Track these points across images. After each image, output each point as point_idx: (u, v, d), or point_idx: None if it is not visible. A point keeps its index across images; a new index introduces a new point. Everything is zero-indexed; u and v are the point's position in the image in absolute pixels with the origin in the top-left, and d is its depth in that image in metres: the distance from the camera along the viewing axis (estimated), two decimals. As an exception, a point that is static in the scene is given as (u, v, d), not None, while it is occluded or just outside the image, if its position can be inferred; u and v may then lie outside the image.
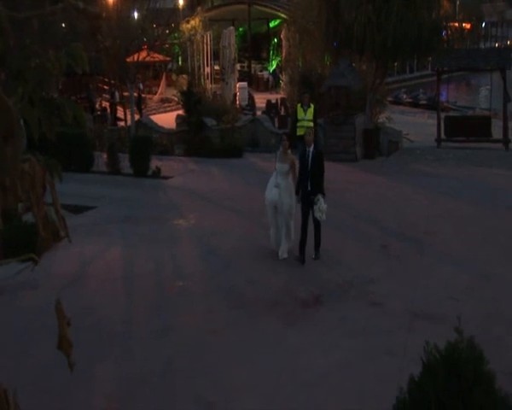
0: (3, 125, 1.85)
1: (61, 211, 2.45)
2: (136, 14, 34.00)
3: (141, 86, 40.37)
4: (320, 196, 13.76)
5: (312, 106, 21.05)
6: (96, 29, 2.58)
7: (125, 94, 32.59)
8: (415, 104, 47.73)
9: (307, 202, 14.00)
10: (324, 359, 10.03)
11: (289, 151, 14.43)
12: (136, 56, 30.82)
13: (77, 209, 17.71)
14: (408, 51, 27.61)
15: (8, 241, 12.07)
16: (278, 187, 14.15)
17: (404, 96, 49.08)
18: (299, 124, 20.92)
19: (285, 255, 14.18)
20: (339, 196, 19.93)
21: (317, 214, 13.76)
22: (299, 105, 21.46)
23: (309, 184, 13.93)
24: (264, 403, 8.86)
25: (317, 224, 14.07)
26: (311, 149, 14.16)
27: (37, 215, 2.18)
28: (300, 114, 20.98)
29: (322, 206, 13.70)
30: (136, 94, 34.51)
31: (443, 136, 27.68)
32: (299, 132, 20.84)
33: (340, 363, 9.89)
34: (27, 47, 2.37)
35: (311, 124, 20.84)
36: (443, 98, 34.21)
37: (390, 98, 34.28)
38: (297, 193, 14.14)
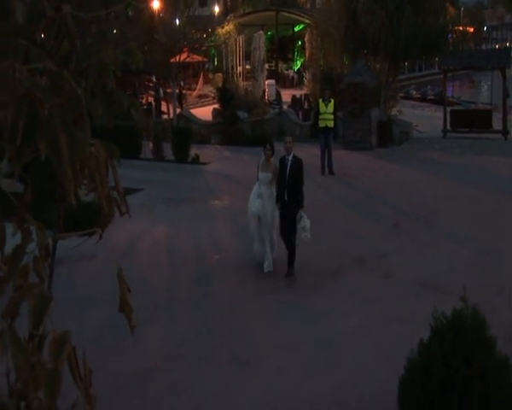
0: (74, 111, 1.84)
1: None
2: (177, 21, 34.00)
3: (182, 84, 40.22)
4: (303, 213, 11.80)
5: (332, 100, 20.96)
6: (153, 28, 2.56)
7: (168, 90, 32.56)
8: (423, 99, 47.18)
9: (284, 213, 11.95)
10: (342, 322, 10.06)
11: (272, 160, 12.33)
12: (178, 57, 30.82)
13: (127, 191, 17.60)
14: (417, 52, 27.64)
15: (67, 218, 12.30)
16: (261, 197, 12.11)
17: (414, 92, 48.50)
18: (321, 117, 20.86)
19: (270, 268, 12.13)
20: (355, 180, 19.94)
21: (302, 235, 11.79)
22: (320, 100, 21.35)
23: (286, 194, 11.83)
24: (290, 360, 8.89)
25: (291, 237, 11.93)
26: (291, 157, 12.06)
27: (101, 193, 2.18)
28: (322, 107, 20.87)
29: (306, 225, 11.75)
30: (177, 90, 34.46)
31: (448, 127, 27.36)
32: (322, 124, 20.80)
33: (356, 326, 9.90)
34: (89, 46, 2.35)
35: (332, 117, 20.77)
36: (449, 94, 33.78)
37: (401, 94, 33.82)
38: (278, 201, 12.03)
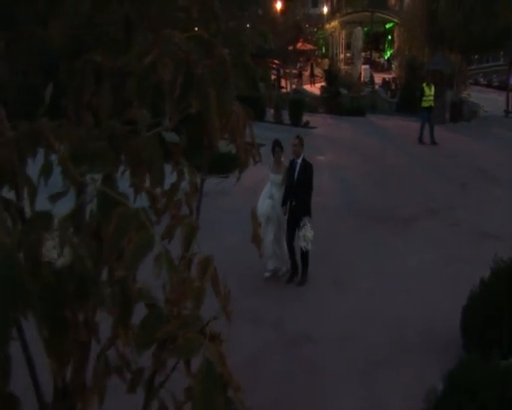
0: (221, 73, 1.69)
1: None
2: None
3: (298, 66, 39.81)
4: (306, 221, 8.53)
5: (432, 85, 19.93)
6: (289, 9, 2.36)
7: (287, 71, 32.45)
8: (489, 85, 45.09)
9: (292, 220, 8.69)
10: (415, 259, 9.65)
11: (283, 160, 9.03)
12: (295, 45, 30.75)
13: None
14: (486, 48, 26.38)
15: (211, 163, 12.80)
16: (272, 198, 8.91)
17: (482, 80, 46.27)
18: (425, 98, 19.62)
19: (268, 274, 8.94)
20: (433, 147, 19.21)
21: (302, 244, 8.54)
22: (425, 84, 19.90)
23: (294, 200, 8.71)
24: (376, 285, 8.66)
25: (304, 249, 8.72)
26: (300, 160, 8.78)
27: (240, 145, 2.03)
28: (427, 90, 19.68)
29: (307, 234, 8.50)
30: (294, 71, 34.26)
31: (510, 109, 25.92)
32: (426, 104, 19.60)
33: (428, 262, 9.49)
34: (231, 28, 2.23)
35: (433, 98, 19.78)
36: (510, 82, 31.71)
37: (471, 80, 32.14)
38: (283, 204, 8.79)
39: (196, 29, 2.03)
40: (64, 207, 1.50)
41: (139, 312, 1.59)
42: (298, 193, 8.70)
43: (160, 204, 1.80)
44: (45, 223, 1.36)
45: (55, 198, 1.52)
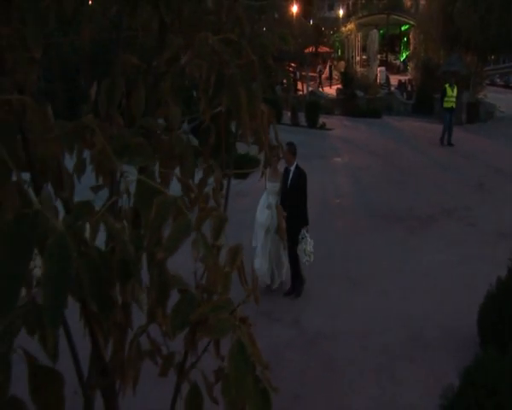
0: (250, 73, 1.79)
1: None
2: (311, 21, 33.94)
3: (318, 68, 39.80)
4: (305, 233, 7.85)
5: (455, 86, 19.72)
6: (308, 13, 2.44)
7: (303, 73, 32.43)
8: (506, 86, 44.53)
9: (289, 230, 7.90)
10: (432, 258, 9.63)
11: (278, 167, 8.37)
12: (310, 48, 30.76)
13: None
14: (502, 48, 26.13)
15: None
16: (270, 208, 8.14)
17: (498, 80, 45.76)
18: (447, 99, 19.47)
19: (276, 285, 8.45)
20: (449, 147, 19.11)
21: (303, 259, 7.88)
22: (447, 85, 19.70)
23: (288, 209, 7.95)
24: (392, 284, 8.67)
25: (294, 256, 8.12)
26: (293, 167, 8.23)
27: (264, 142, 2.12)
28: (449, 91, 19.51)
29: (306, 247, 7.80)
30: (314, 74, 34.33)
31: (526, 109, 25.76)
32: (448, 105, 19.46)
33: (444, 261, 9.45)
34: (253, 31, 2.32)
35: (455, 99, 19.64)
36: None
37: (487, 81, 31.89)
38: None
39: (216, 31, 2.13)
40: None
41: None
42: (292, 203, 8.04)
43: (193, 194, 1.90)
44: (88, 211, 1.46)
45: (96, 189, 1.62)
